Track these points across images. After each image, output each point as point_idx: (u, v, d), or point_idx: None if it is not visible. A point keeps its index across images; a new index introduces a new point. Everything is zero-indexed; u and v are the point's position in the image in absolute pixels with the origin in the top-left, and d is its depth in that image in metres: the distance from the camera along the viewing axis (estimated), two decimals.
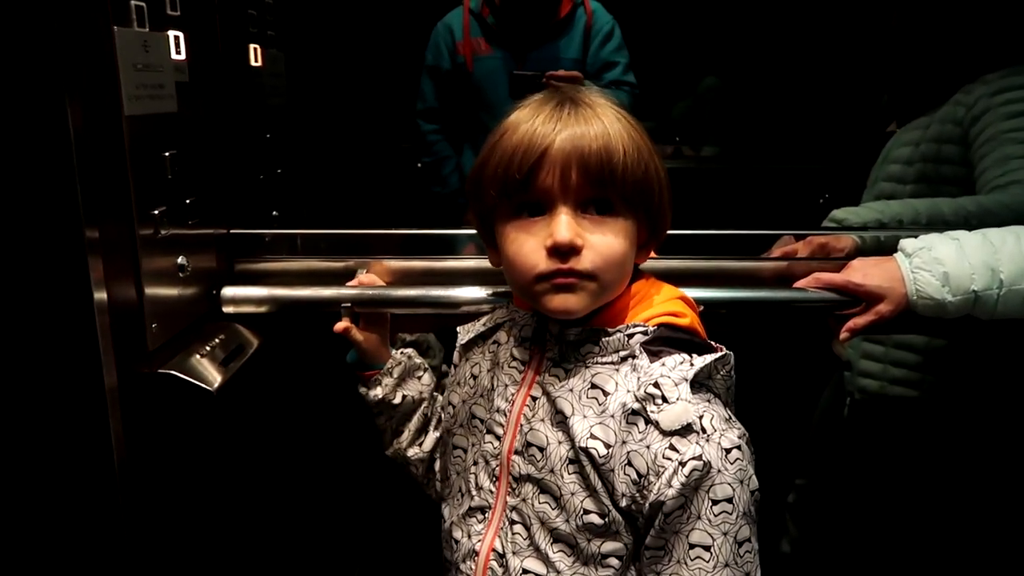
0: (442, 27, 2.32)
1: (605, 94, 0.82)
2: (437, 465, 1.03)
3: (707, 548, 0.72)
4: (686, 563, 0.73)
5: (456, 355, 0.98)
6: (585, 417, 0.78)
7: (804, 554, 1.85)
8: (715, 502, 0.72)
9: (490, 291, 1.05)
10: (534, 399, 0.83)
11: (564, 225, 0.75)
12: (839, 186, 2.11)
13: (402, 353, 1.03)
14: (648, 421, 0.74)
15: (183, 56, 0.98)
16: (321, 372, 1.02)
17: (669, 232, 1.15)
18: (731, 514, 0.72)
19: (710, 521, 0.72)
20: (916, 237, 1.02)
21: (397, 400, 1.00)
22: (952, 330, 1.28)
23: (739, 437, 0.75)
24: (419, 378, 1.03)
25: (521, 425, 0.83)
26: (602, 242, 0.77)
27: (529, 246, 0.77)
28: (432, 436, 1.03)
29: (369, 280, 1.09)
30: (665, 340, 0.80)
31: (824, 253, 1.14)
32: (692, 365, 0.76)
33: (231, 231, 1.13)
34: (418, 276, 1.13)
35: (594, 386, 0.79)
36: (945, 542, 1.53)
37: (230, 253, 1.13)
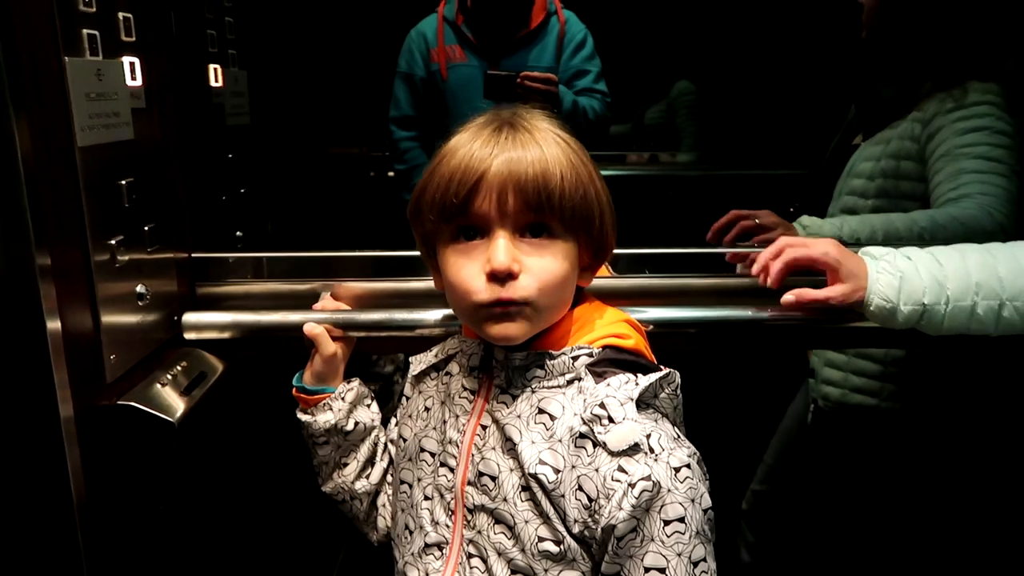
0: (416, 34, 2.32)
1: (549, 116, 0.82)
2: (380, 500, 1.01)
3: (662, 570, 0.71)
4: None
5: (408, 387, 0.97)
6: (533, 443, 0.77)
7: (764, 561, 1.87)
8: (667, 522, 0.71)
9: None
10: (484, 428, 0.82)
11: (501, 250, 0.75)
12: (810, 193, 2.13)
13: (352, 380, 1.01)
14: (596, 443, 0.74)
15: (139, 82, 0.96)
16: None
17: (636, 251, 1.17)
18: (684, 534, 0.71)
19: (663, 542, 0.71)
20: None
21: (350, 427, 0.98)
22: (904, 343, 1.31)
23: (688, 455, 0.74)
24: (368, 406, 1.01)
25: (472, 455, 0.82)
26: (540, 266, 0.77)
27: (468, 271, 0.78)
28: (380, 467, 1.01)
29: (334, 304, 1.08)
30: (610, 362, 0.80)
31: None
32: (637, 384, 0.76)
33: (192, 255, 1.12)
34: (384, 298, 1.12)
35: (541, 411, 0.78)
36: (904, 548, 1.56)
37: (192, 277, 1.12)
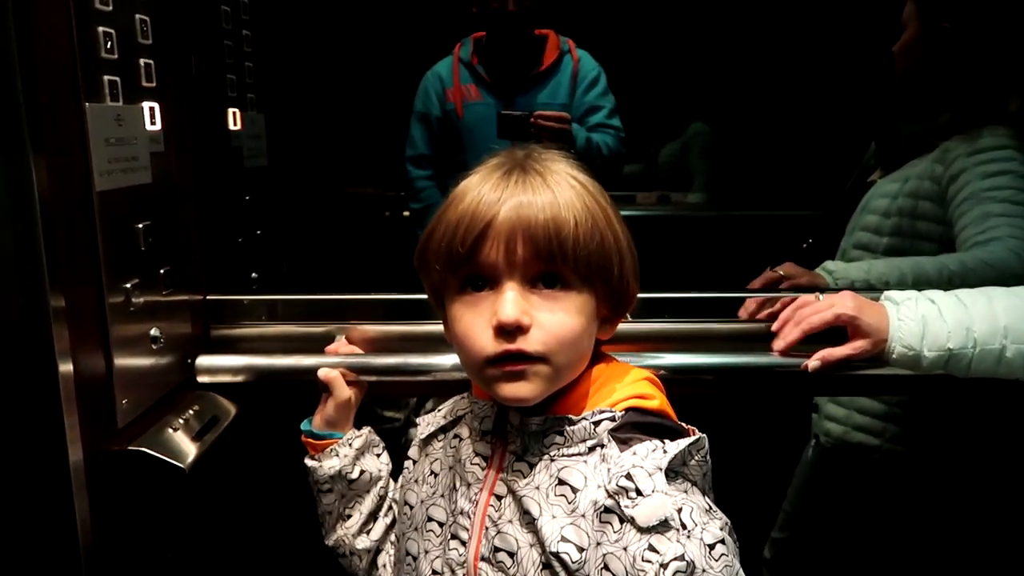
0: (432, 75, 2.37)
1: (565, 156, 0.78)
2: (381, 559, 0.96)
3: None
4: None
5: (414, 449, 0.91)
6: (554, 517, 0.71)
7: None
8: None
9: None
10: (499, 498, 0.76)
11: (509, 303, 0.70)
12: (823, 232, 2.12)
13: (362, 428, 0.98)
14: (623, 519, 0.68)
15: (158, 126, 0.97)
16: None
17: (650, 295, 1.15)
18: None
19: None
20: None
21: (355, 475, 0.94)
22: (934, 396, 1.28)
23: (721, 528, 0.69)
24: (377, 455, 0.98)
25: (487, 528, 0.76)
26: (552, 320, 0.72)
27: (476, 326, 0.73)
28: (382, 523, 0.96)
29: (347, 348, 1.07)
30: (634, 426, 0.74)
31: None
32: (665, 452, 0.70)
33: (207, 297, 1.12)
34: (398, 341, 1.11)
35: (561, 481, 0.72)
36: None
37: (206, 319, 1.12)
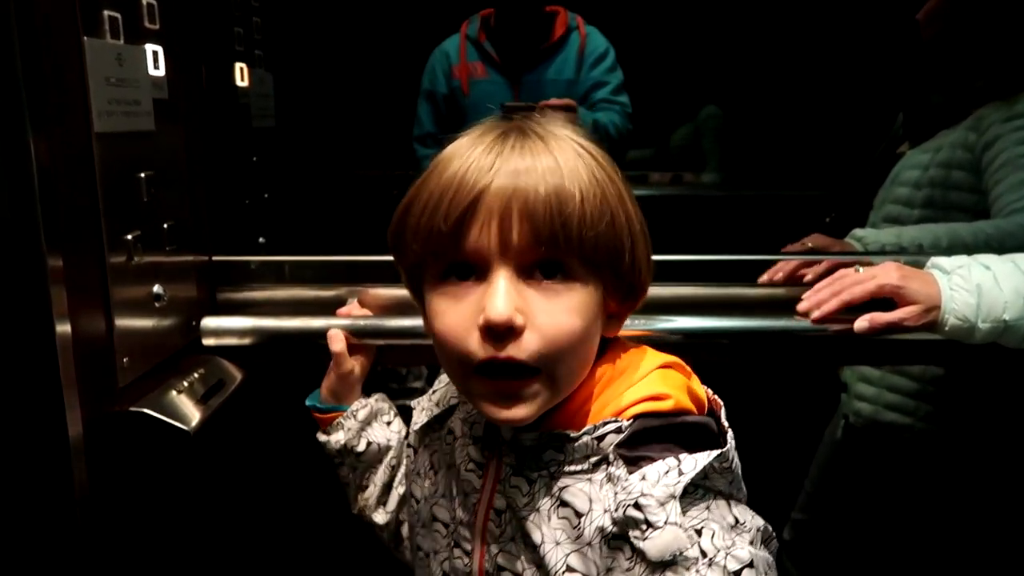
0: (439, 53, 2.33)
1: (572, 124, 0.65)
2: (404, 530, 0.90)
3: None
4: None
5: (413, 437, 0.82)
6: (558, 543, 0.62)
7: None
8: None
9: None
10: (499, 513, 0.67)
11: (500, 296, 0.58)
12: (843, 210, 2.07)
13: (371, 395, 0.93)
14: (634, 549, 0.58)
15: (162, 72, 0.92)
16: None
17: (671, 258, 1.08)
18: None
19: None
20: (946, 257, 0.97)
21: (361, 447, 0.88)
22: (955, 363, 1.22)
23: (751, 542, 0.59)
24: (387, 423, 0.92)
25: (489, 544, 0.68)
26: (550, 321, 0.59)
27: (461, 323, 0.60)
28: (396, 494, 0.91)
29: (360, 311, 1.02)
30: (646, 434, 0.62)
31: None
32: (681, 473, 0.59)
33: (213, 258, 1.07)
34: (411, 305, 1.06)
35: (564, 503, 0.63)
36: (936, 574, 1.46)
37: (212, 282, 1.07)
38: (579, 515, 0.62)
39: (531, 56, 2.23)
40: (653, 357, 0.68)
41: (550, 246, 0.59)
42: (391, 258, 1.12)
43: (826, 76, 3.16)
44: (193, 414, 0.89)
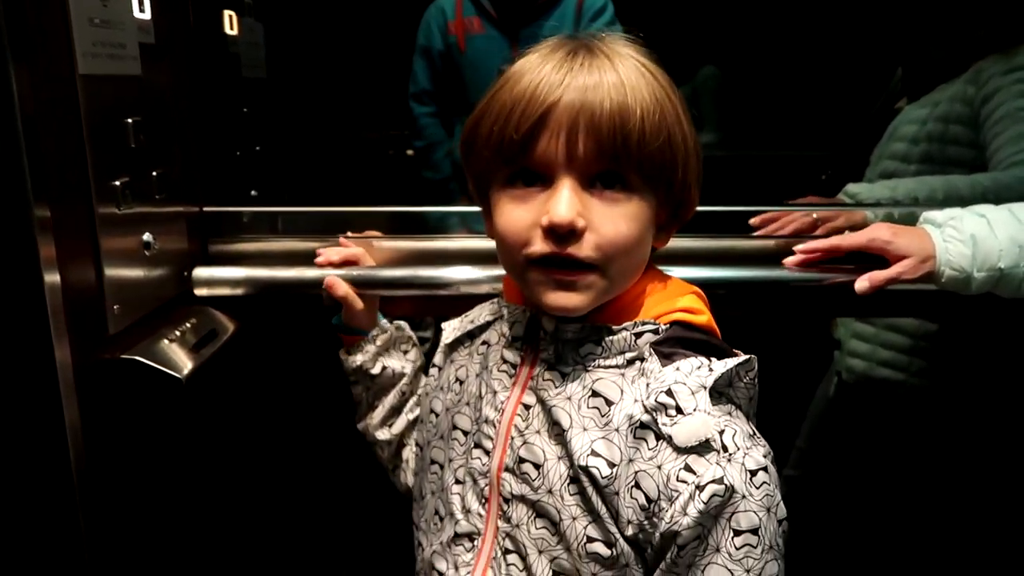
0: (435, 8, 2.28)
1: (634, 41, 0.69)
2: (405, 453, 0.94)
3: None
4: None
5: (439, 356, 0.87)
6: (585, 430, 0.66)
7: (796, 552, 1.79)
8: (737, 532, 0.61)
9: (489, 272, 0.97)
10: (527, 407, 0.71)
11: (564, 202, 0.63)
12: (840, 167, 2.05)
13: (392, 322, 0.96)
14: (659, 436, 0.63)
15: (148, 15, 0.89)
16: (303, 360, 0.94)
17: None
18: (756, 547, 0.61)
19: (731, 555, 0.61)
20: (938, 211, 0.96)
21: (376, 370, 0.92)
22: (952, 316, 1.22)
23: (765, 456, 0.64)
24: (404, 352, 0.95)
25: (512, 438, 0.71)
26: (609, 225, 0.65)
27: (523, 221, 0.66)
28: (404, 419, 0.94)
29: (354, 256, 1.01)
30: (679, 341, 0.68)
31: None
32: (711, 370, 0.65)
33: (204, 209, 1.06)
34: (406, 257, 1.05)
35: (595, 393, 0.68)
36: (929, 530, 1.48)
37: (203, 233, 1.06)
38: (609, 404, 0.66)
39: (528, 11, 2.18)
40: (688, 284, 0.76)
41: (611, 159, 0.64)
42: (387, 208, 1.12)
43: (825, 34, 3.12)
44: (185, 362, 0.89)
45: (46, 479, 0.78)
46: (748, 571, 0.61)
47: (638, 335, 0.68)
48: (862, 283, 0.93)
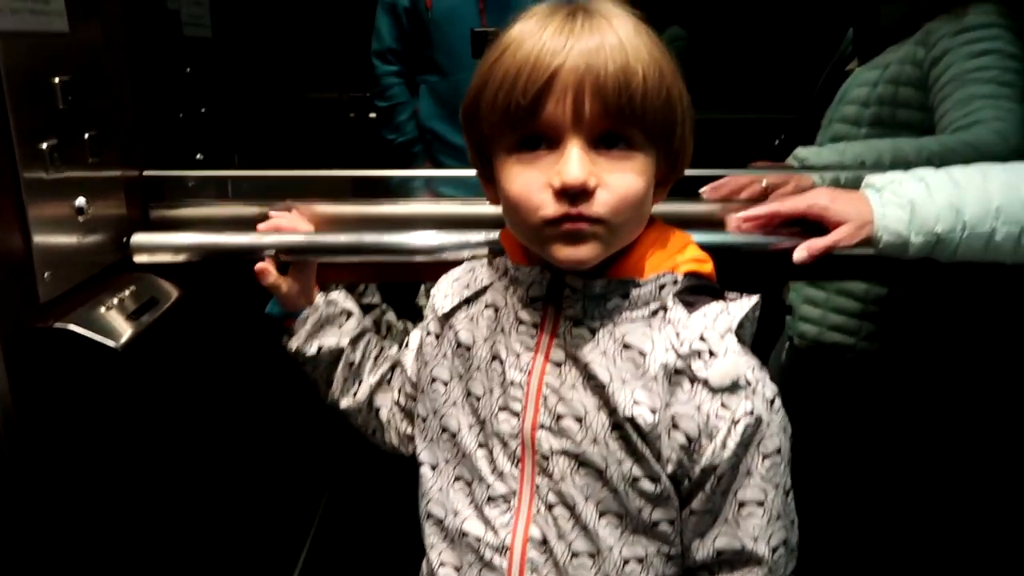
0: None
1: (623, 4, 0.70)
2: (384, 414, 0.94)
3: (760, 504, 0.70)
4: (738, 523, 0.70)
5: (434, 323, 0.86)
6: (624, 382, 0.70)
7: None
8: (765, 456, 0.70)
9: (447, 238, 0.95)
10: (557, 365, 0.74)
11: (575, 162, 0.65)
12: (793, 131, 2.05)
13: (323, 298, 0.94)
14: (694, 379, 0.69)
15: None
16: (249, 328, 0.93)
17: None
18: (779, 465, 0.71)
19: (762, 476, 0.70)
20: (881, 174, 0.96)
21: (311, 351, 0.92)
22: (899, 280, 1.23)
23: (772, 381, 0.72)
24: (340, 325, 0.94)
25: (545, 396, 0.74)
26: (619, 182, 0.67)
27: (534, 184, 0.67)
28: (366, 384, 0.94)
29: (290, 224, 0.99)
30: (695, 289, 0.73)
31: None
32: (730, 313, 0.71)
33: (144, 173, 1.03)
34: (356, 222, 1.03)
35: (627, 345, 0.71)
36: (884, 498, 1.51)
37: (144, 198, 1.03)
38: (643, 354, 0.70)
39: None
40: (685, 234, 0.79)
41: (617, 119, 0.66)
42: (338, 173, 1.10)
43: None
44: (122, 330, 0.87)
45: None
46: (776, 486, 0.70)
47: (661, 286, 0.72)
48: (800, 252, 0.93)
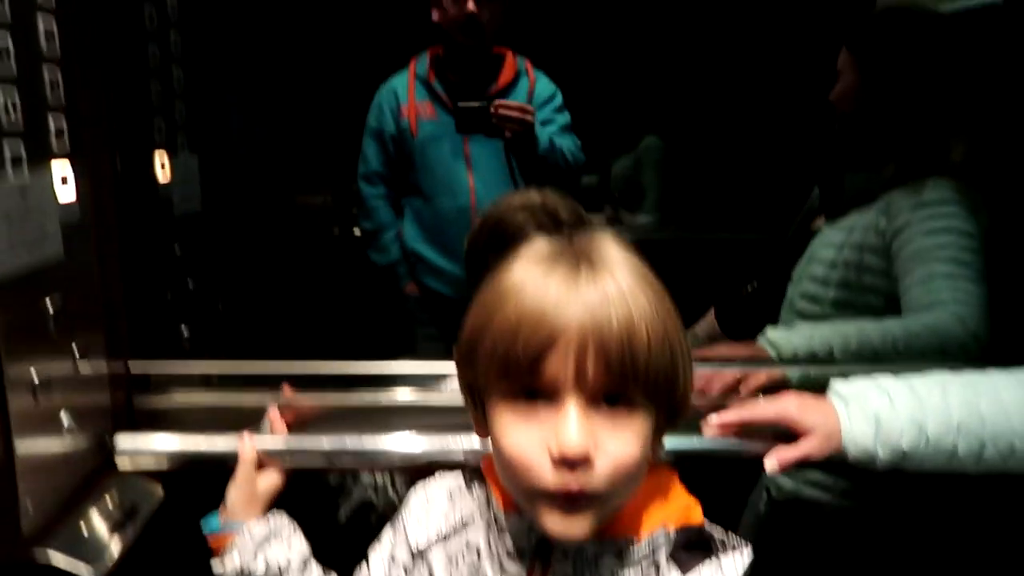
0: (386, 90, 2.30)
1: (617, 239, 0.69)
2: None
3: None
4: None
5: (402, 551, 0.80)
6: None
7: None
8: None
9: (428, 444, 0.96)
10: None
11: (575, 429, 0.62)
12: (770, 267, 2.09)
13: (269, 515, 0.91)
14: None
15: (72, 197, 0.89)
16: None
17: None
18: None
19: None
20: (846, 378, 1.00)
21: (259, 569, 0.86)
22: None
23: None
24: (286, 542, 0.89)
25: None
26: (618, 449, 0.64)
27: (531, 446, 0.64)
28: None
29: (278, 426, 0.99)
30: (687, 545, 0.70)
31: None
32: (722, 570, 0.68)
33: (128, 364, 1.03)
34: (346, 413, 1.05)
35: None
36: None
37: (128, 391, 1.04)
38: None
39: (480, 99, 2.16)
40: (668, 471, 0.76)
41: (619, 378, 0.63)
42: (319, 362, 1.11)
43: (767, 113, 3.18)
44: (103, 550, 0.86)
45: None
46: None
47: (655, 548, 0.70)
48: (771, 464, 0.95)
